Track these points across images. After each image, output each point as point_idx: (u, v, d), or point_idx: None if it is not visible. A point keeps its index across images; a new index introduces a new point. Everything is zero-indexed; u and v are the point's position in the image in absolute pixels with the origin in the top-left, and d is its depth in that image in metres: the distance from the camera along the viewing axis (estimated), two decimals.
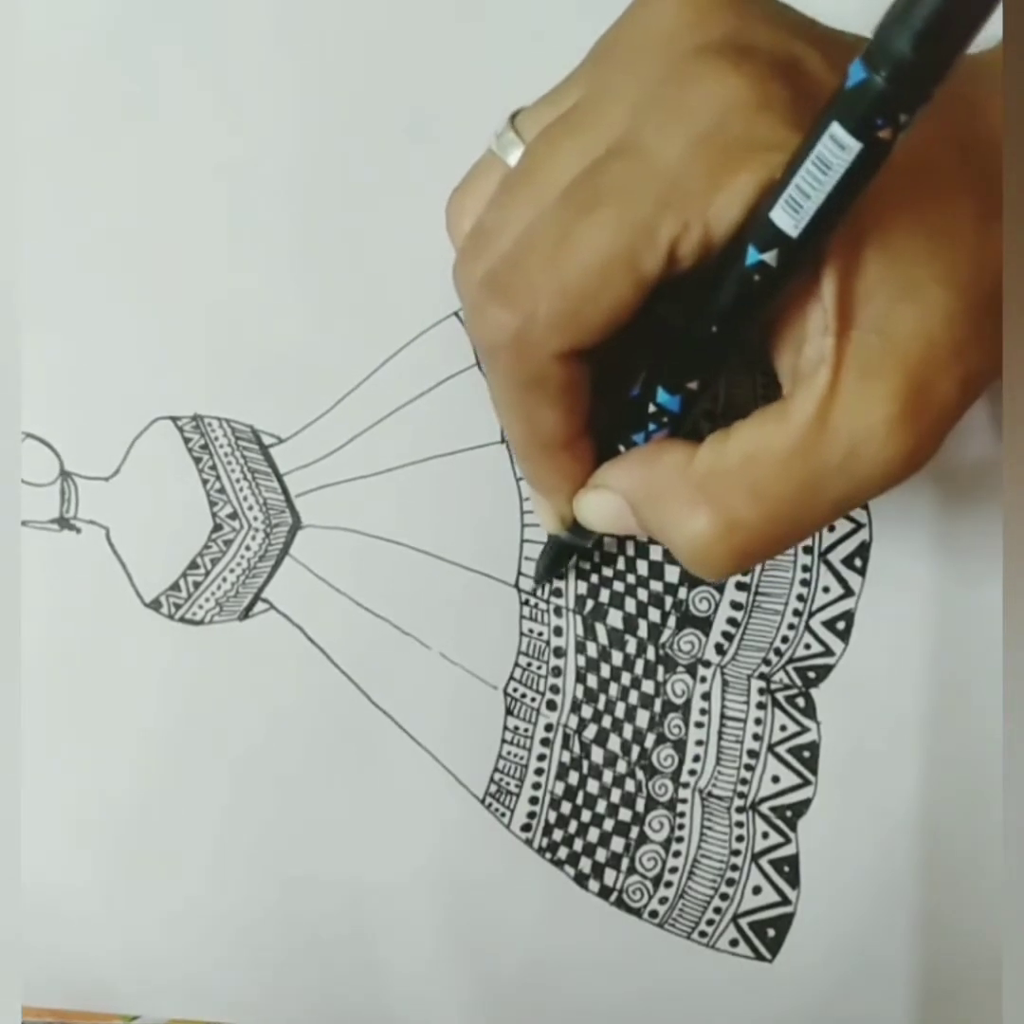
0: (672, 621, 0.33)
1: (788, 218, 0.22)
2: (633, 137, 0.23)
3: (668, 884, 0.33)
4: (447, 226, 0.28)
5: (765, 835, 0.33)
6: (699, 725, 0.33)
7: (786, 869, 0.33)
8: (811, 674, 0.33)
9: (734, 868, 0.33)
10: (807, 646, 0.33)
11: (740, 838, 0.33)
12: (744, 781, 0.33)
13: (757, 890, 0.33)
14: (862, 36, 0.20)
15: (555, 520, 0.30)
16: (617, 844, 0.33)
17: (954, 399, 0.24)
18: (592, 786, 0.33)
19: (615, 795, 0.33)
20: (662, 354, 0.26)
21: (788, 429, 0.24)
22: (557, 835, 0.33)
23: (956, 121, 0.24)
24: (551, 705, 0.33)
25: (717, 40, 0.24)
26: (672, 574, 0.33)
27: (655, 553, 0.33)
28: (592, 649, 0.33)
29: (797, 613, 0.33)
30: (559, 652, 0.33)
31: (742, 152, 0.23)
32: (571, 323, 0.24)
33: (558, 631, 0.33)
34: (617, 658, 0.33)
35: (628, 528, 0.27)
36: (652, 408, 0.26)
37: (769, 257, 0.23)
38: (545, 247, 0.24)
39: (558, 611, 0.33)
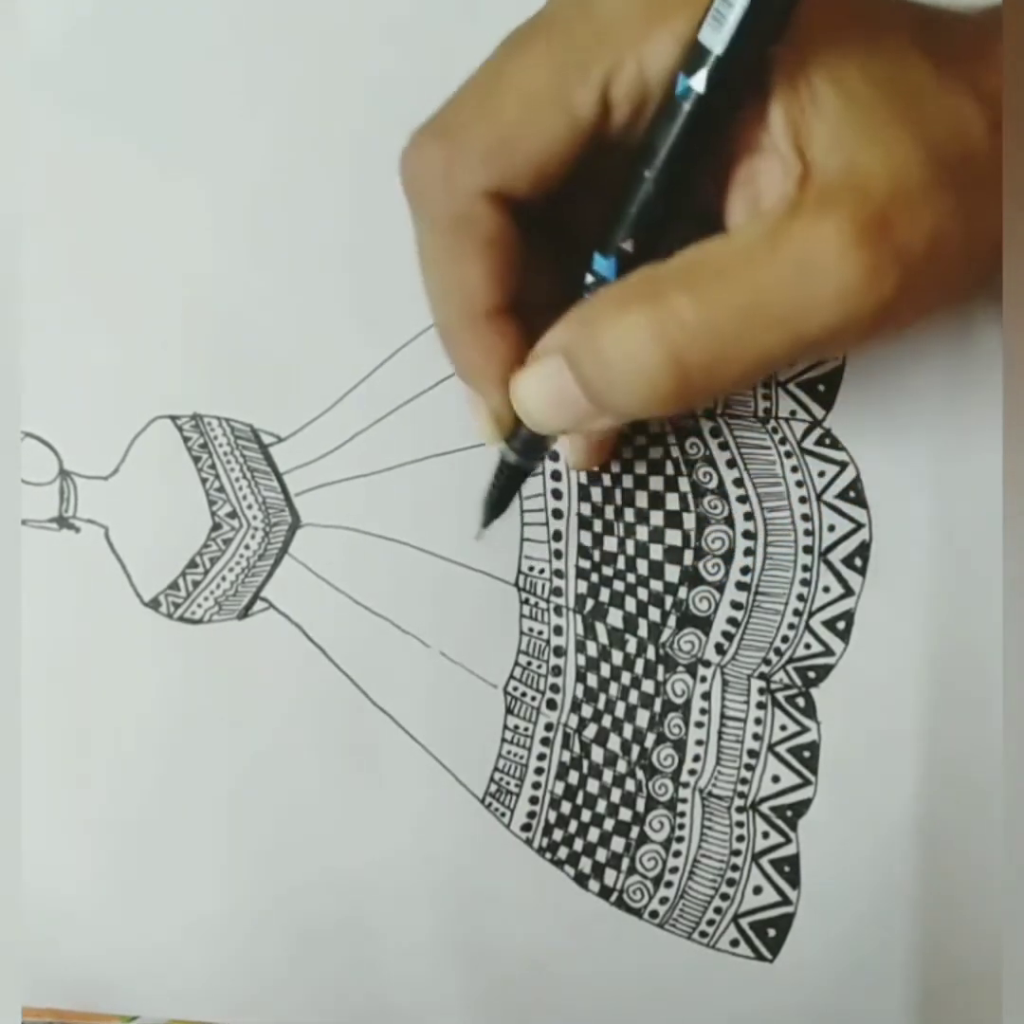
0: (672, 621, 0.33)
1: (713, 33, 0.22)
2: None
3: (668, 884, 0.33)
4: None
5: (765, 835, 0.33)
6: (699, 725, 0.33)
7: (786, 869, 0.33)
8: (811, 674, 0.33)
9: (734, 868, 0.33)
10: (807, 646, 0.33)
11: (740, 838, 0.33)
12: (744, 781, 0.33)
13: (757, 890, 0.33)
14: None
15: (490, 423, 0.28)
16: (617, 844, 0.33)
17: (917, 243, 0.23)
18: (592, 786, 0.33)
19: (615, 795, 0.33)
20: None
21: (734, 243, 0.23)
22: (557, 835, 0.33)
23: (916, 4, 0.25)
24: (551, 704, 0.33)
25: None
26: (672, 574, 0.33)
27: (655, 553, 0.33)
28: (592, 648, 0.33)
29: (797, 613, 0.33)
30: (559, 651, 0.33)
31: (681, 2, 0.23)
32: (500, 155, 0.24)
33: (558, 630, 0.33)
34: (617, 657, 0.33)
35: (574, 408, 0.25)
36: (589, 279, 0.25)
37: (697, 81, 0.22)
38: (480, 85, 0.25)
39: (558, 610, 0.33)
